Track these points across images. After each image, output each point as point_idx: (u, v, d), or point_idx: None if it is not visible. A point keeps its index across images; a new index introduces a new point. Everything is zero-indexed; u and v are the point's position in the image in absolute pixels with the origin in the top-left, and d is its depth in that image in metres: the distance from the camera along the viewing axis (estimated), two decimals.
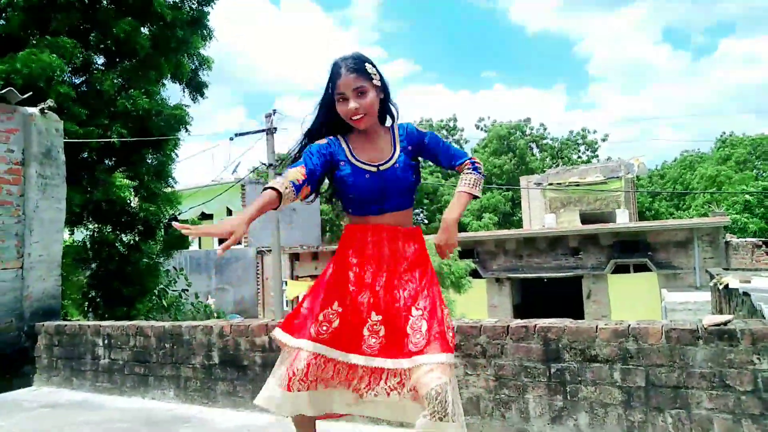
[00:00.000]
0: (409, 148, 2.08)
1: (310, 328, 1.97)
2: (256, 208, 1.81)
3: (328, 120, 2.08)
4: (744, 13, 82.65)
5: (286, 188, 1.86)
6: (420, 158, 2.13)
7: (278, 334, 2.04)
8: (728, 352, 2.56)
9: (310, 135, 2.13)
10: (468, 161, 2.07)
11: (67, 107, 7.46)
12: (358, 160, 2.03)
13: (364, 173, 2.01)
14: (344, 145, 2.05)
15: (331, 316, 1.98)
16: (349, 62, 1.98)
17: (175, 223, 1.80)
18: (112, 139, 8.03)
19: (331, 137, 2.07)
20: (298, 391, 1.92)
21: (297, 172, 1.92)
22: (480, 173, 2.06)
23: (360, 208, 2.05)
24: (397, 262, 2.02)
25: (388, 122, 2.17)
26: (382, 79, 2.05)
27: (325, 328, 1.96)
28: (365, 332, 1.96)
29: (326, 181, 2.11)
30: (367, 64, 2.00)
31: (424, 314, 1.92)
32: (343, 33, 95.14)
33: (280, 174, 2.01)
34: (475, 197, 2.04)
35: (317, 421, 2.13)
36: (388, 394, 1.90)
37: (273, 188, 1.84)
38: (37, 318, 5.07)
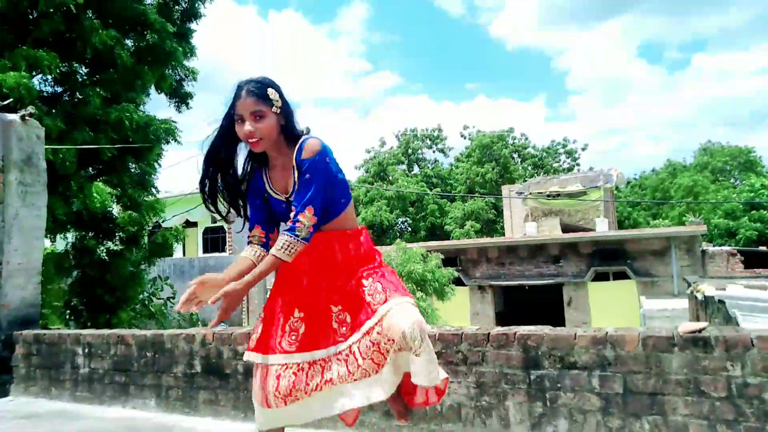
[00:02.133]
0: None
1: (280, 341, 2.00)
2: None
3: (227, 140, 2.05)
4: (715, 30, 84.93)
5: (257, 254, 2.02)
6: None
7: (248, 356, 2.05)
8: (703, 359, 2.63)
9: (209, 156, 2.09)
10: (290, 220, 1.93)
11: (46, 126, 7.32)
12: (273, 191, 2.08)
13: (281, 203, 2.06)
14: (264, 177, 2.09)
15: (295, 324, 2.02)
16: (251, 85, 1.96)
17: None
18: (94, 146, 7.94)
19: (256, 167, 2.11)
20: (276, 407, 1.95)
21: (256, 233, 2.08)
22: (295, 235, 1.89)
23: None
24: (345, 258, 2.05)
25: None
26: (285, 104, 2.00)
27: (293, 337, 2.00)
28: (334, 325, 2.01)
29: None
30: (269, 89, 1.97)
31: (375, 279, 2.00)
32: (331, 45, 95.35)
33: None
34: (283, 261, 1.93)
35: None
36: (351, 354, 1.93)
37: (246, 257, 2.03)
38: (15, 327, 4.99)
